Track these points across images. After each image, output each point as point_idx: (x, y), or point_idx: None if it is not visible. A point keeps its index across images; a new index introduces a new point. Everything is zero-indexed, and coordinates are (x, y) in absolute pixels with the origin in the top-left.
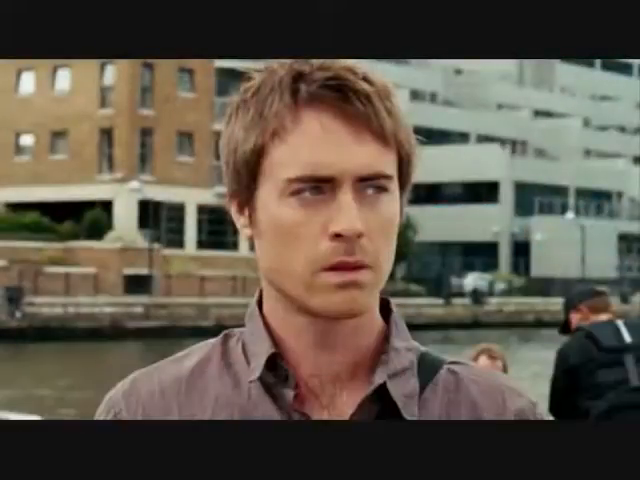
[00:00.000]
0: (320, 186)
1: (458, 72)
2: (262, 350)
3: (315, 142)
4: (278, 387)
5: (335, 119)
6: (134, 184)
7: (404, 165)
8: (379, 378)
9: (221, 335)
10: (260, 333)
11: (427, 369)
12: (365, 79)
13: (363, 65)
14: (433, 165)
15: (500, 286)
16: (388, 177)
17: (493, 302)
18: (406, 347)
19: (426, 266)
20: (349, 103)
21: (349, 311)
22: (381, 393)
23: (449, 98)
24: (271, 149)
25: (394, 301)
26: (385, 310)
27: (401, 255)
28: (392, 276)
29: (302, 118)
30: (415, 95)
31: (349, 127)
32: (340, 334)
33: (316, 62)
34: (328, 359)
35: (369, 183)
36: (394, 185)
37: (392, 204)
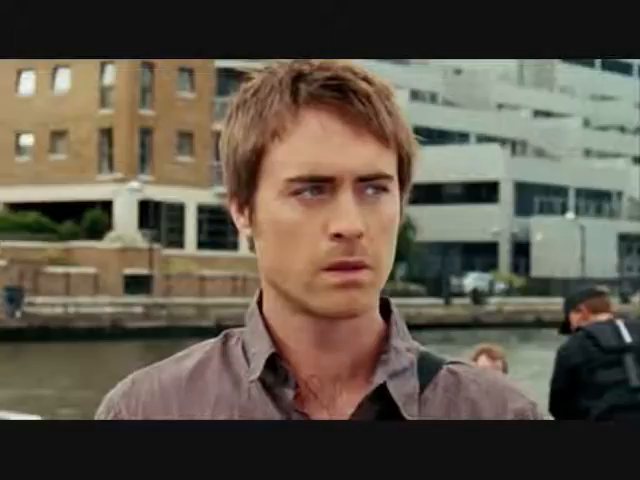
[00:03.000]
0: (320, 186)
1: (458, 72)
2: (262, 350)
3: (315, 142)
4: (278, 387)
5: (335, 119)
6: (134, 184)
7: (404, 165)
8: (379, 378)
9: (221, 335)
10: (260, 333)
11: (427, 369)
12: (365, 79)
13: (362, 65)
14: (433, 165)
15: (500, 286)
16: (388, 177)
17: (493, 302)
18: (406, 347)
19: (426, 266)
20: (349, 103)
21: (349, 311)
22: (381, 393)
23: (449, 98)
24: (271, 149)
25: (394, 301)
26: (385, 310)
27: (401, 255)
28: (392, 276)
29: (302, 118)
30: (415, 95)
31: (349, 127)
32: (340, 334)
33: (316, 62)
34: (328, 359)
35: (369, 183)
36: (394, 185)
37: (392, 204)
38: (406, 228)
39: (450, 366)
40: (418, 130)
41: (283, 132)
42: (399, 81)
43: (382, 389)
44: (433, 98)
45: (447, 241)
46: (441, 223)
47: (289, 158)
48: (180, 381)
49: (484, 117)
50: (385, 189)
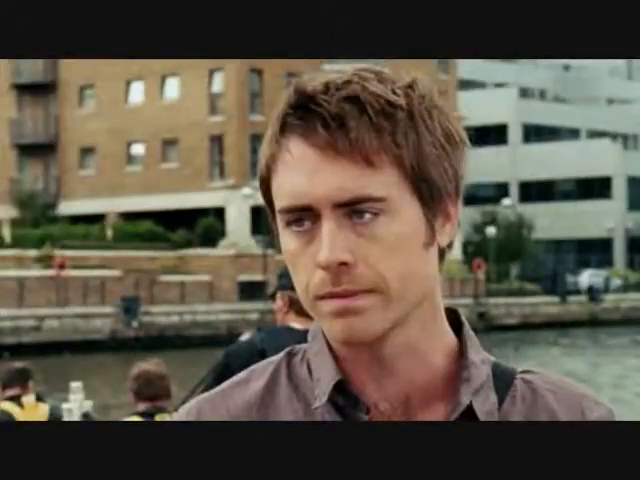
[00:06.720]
0: (307, 215)
1: (566, 68)
2: (326, 376)
3: (291, 172)
4: (349, 410)
5: (305, 145)
6: (246, 190)
7: (417, 181)
8: (465, 398)
9: (284, 354)
10: (324, 356)
11: (502, 381)
12: (347, 98)
13: (373, 72)
14: (544, 162)
15: (616, 282)
16: (375, 199)
17: (609, 299)
18: (481, 360)
19: (541, 264)
20: (312, 127)
21: (349, 338)
22: (463, 411)
23: (558, 94)
24: (270, 179)
25: (510, 300)
26: (456, 323)
27: (516, 254)
28: (507, 275)
29: (282, 148)
30: (524, 92)
31: (319, 152)
32: (388, 359)
33: (322, 79)
34: (391, 382)
35: (357, 207)
36: (396, 205)
37: (397, 224)
38: (520, 227)
39: (524, 375)
40: (527, 127)
41: (272, 163)
42: (508, 79)
43: (464, 406)
44: (542, 95)
45: (561, 238)
46: (554, 220)
47: (277, 189)
48: (250, 408)
49: (594, 112)
50: (378, 213)
